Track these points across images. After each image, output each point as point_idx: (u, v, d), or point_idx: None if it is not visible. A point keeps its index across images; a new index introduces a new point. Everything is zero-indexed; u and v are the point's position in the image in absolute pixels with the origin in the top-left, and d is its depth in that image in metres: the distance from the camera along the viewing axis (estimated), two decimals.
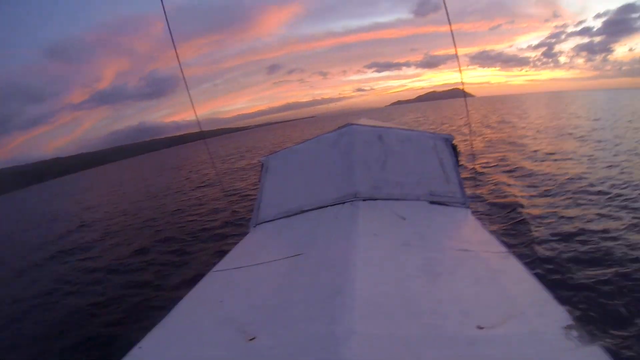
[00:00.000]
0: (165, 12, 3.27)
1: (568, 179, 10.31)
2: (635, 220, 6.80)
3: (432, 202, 3.46)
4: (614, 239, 6.17)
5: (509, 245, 2.64)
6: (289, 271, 2.34)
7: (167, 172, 37.98)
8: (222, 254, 7.39)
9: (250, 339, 1.61)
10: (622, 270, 5.14)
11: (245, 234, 3.76)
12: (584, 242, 6.19)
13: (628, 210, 7.42)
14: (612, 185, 9.24)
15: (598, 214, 7.40)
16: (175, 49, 3.57)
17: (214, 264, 2.85)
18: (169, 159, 68.55)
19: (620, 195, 8.44)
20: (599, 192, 8.81)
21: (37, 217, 26.19)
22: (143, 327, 5.09)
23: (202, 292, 2.42)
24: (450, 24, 3.62)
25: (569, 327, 1.50)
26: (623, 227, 6.59)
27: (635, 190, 8.65)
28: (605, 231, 6.51)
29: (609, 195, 8.47)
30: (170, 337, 1.89)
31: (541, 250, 6.00)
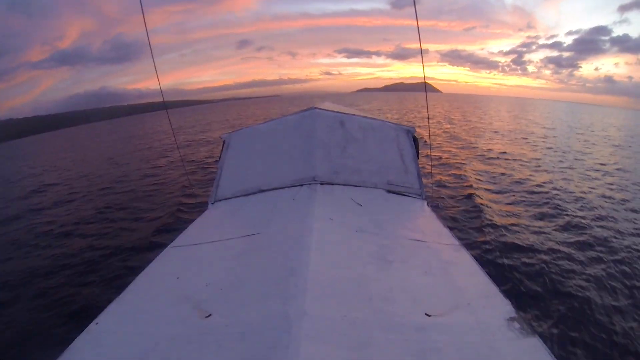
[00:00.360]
0: None
1: (515, 179, 11.02)
2: (567, 219, 7.58)
3: (389, 191, 3.49)
4: (543, 233, 6.91)
5: (461, 238, 2.78)
6: (245, 250, 2.36)
7: (128, 140, 37.01)
8: (179, 223, 7.53)
9: (206, 316, 1.64)
10: (543, 257, 5.92)
11: (203, 209, 3.76)
12: (515, 233, 6.90)
13: (560, 210, 8.20)
14: (553, 188, 10.03)
15: (537, 212, 8.10)
16: (143, 13, 3.40)
17: (172, 239, 2.85)
18: (130, 127, 66.47)
19: (557, 197, 9.23)
20: (540, 193, 9.58)
21: None
22: (104, 290, 5.19)
23: (159, 267, 2.41)
24: (417, 19, 3.71)
25: (511, 319, 1.59)
26: (554, 225, 7.33)
27: (571, 194, 9.49)
28: (537, 227, 7.23)
29: (547, 196, 9.24)
30: (128, 313, 1.88)
31: (481, 237, 6.65)
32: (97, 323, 1.77)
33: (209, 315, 1.64)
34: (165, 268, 2.40)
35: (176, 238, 2.86)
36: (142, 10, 3.33)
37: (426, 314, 1.60)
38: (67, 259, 7.26)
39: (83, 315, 4.99)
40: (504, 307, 1.70)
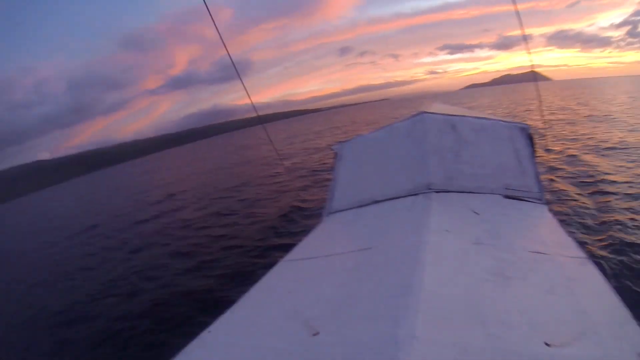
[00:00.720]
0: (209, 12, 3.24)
1: (636, 172, 9.38)
2: None
3: (506, 197, 3.29)
4: None
5: (586, 249, 2.45)
6: (358, 265, 2.29)
7: (241, 151, 39.88)
8: (292, 227, 8.22)
9: (314, 334, 1.61)
10: None
11: (318, 221, 3.78)
12: (636, 230, 6.11)
13: None
14: None
15: None
16: (222, 39, 3.55)
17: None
18: (242, 139, 70.59)
19: None
20: None
21: (127, 191, 29.48)
22: (223, 283, 5.99)
23: (272, 281, 2.44)
24: (515, 3, 3.66)
25: None
26: None
27: None
28: None
29: None
30: (238, 324, 1.95)
31: (619, 257, 5.51)
32: (209, 332, 1.88)
33: (317, 333, 1.62)
34: (278, 282, 2.44)
35: (290, 251, 2.90)
36: (221, 38, 3.50)
37: (545, 343, 1.42)
38: (193, 257, 8.41)
39: (207, 304, 5.87)
40: (636, 337, 1.45)
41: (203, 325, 1.92)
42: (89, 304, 7.31)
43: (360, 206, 3.63)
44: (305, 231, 3.49)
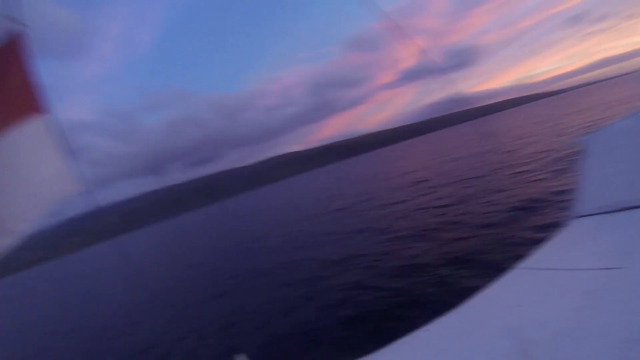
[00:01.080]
0: None
1: None
2: None
3: None
4: None
5: None
6: (599, 288, 1.89)
7: (482, 139, 38.39)
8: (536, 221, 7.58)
9: None
10: None
11: (562, 225, 3.30)
12: None
13: None
14: None
15: None
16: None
17: (521, 258, 2.58)
18: (482, 127, 68.13)
19: None
20: None
21: (372, 178, 32.40)
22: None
23: (500, 289, 2.26)
24: None
25: None
26: None
27: None
28: None
29: None
30: (449, 330, 1.87)
31: None
32: (427, 330, 1.87)
33: None
34: (506, 291, 2.24)
35: (526, 258, 2.61)
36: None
37: None
38: (435, 240, 8.64)
39: (447, 287, 5.89)
40: None
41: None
42: (336, 265, 8.79)
43: (612, 211, 3.00)
44: (549, 228, 3.02)
